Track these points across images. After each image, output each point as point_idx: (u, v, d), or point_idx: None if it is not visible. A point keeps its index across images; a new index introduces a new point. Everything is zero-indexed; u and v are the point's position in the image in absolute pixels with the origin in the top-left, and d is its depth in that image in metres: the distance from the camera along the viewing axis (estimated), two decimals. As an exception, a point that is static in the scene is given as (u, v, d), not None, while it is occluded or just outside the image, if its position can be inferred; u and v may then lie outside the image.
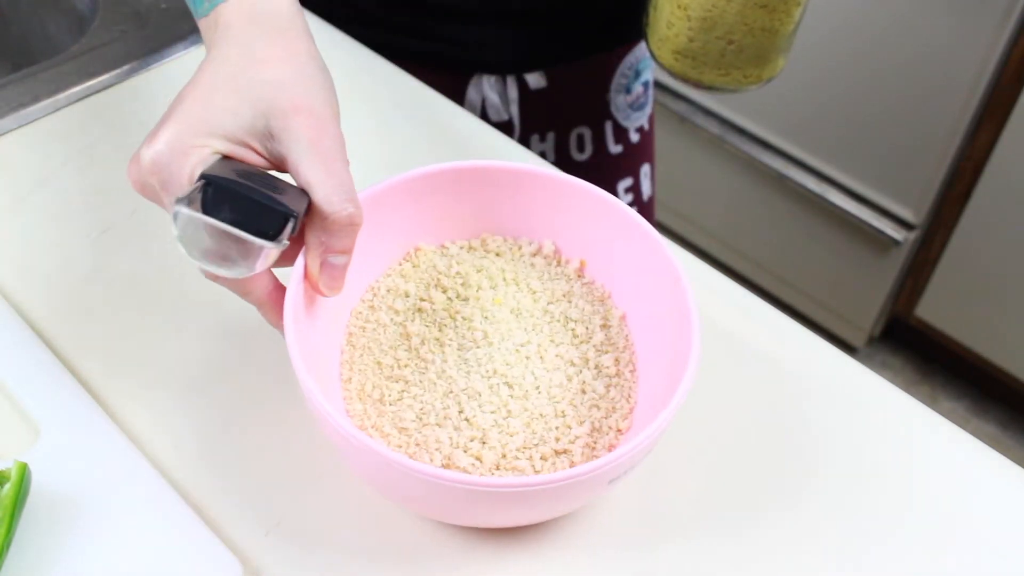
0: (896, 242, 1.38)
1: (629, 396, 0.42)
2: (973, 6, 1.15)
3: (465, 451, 0.39)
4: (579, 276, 0.46)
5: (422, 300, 0.44)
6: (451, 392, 0.41)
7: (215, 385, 0.45)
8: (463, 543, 0.40)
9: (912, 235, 1.38)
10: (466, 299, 0.44)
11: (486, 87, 0.72)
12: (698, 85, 0.57)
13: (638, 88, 0.77)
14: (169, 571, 0.37)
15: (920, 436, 0.46)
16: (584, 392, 0.42)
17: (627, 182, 0.79)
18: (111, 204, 0.53)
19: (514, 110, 0.73)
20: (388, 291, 0.45)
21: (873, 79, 1.29)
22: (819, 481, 0.43)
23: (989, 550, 0.41)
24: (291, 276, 0.39)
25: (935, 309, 1.45)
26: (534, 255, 0.47)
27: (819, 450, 0.45)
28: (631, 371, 0.43)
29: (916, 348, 1.58)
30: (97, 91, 0.60)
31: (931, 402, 1.51)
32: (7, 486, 0.37)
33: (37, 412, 0.42)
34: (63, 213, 0.53)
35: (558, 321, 0.44)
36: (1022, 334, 1.36)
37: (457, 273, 0.45)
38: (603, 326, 0.44)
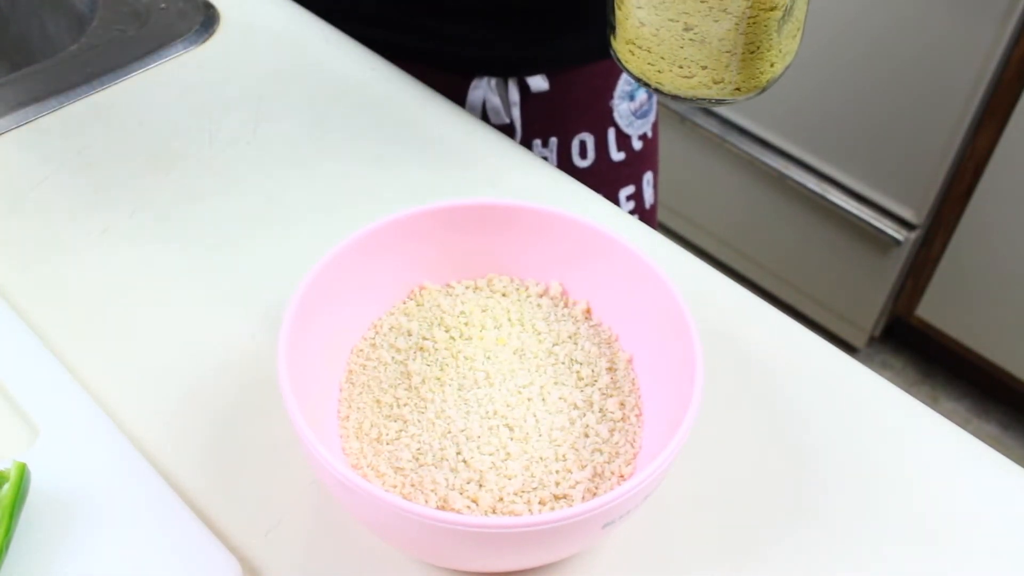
0: (897, 242, 1.38)
1: (634, 441, 0.41)
2: (974, 6, 1.15)
3: (461, 493, 0.38)
4: (586, 318, 0.45)
5: (424, 339, 0.44)
6: (449, 432, 0.40)
7: (215, 385, 0.45)
8: None
9: (913, 235, 1.38)
10: (469, 338, 0.44)
11: (487, 89, 0.72)
12: (660, 91, 0.44)
13: (642, 95, 0.77)
14: (168, 571, 0.37)
15: (921, 437, 0.46)
16: (587, 436, 0.41)
17: (629, 190, 0.79)
18: (111, 204, 0.53)
19: (515, 113, 0.73)
20: (391, 329, 0.44)
21: (874, 79, 1.29)
22: (818, 482, 0.43)
23: (989, 550, 0.41)
24: (285, 312, 0.38)
25: (936, 309, 1.45)
26: (541, 296, 0.46)
27: (818, 450, 0.44)
28: (637, 415, 0.42)
29: (917, 348, 1.57)
30: (97, 91, 0.60)
31: (932, 402, 1.51)
32: (6, 486, 0.37)
33: (36, 412, 0.42)
34: (63, 213, 0.53)
35: (563, 363, 0.43)
36: (1023, 334, 1.36)
37: (461, 312, 0.45)
38: (609, 369, 0.43)
